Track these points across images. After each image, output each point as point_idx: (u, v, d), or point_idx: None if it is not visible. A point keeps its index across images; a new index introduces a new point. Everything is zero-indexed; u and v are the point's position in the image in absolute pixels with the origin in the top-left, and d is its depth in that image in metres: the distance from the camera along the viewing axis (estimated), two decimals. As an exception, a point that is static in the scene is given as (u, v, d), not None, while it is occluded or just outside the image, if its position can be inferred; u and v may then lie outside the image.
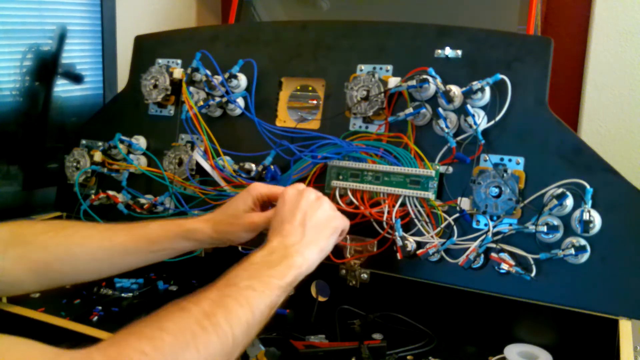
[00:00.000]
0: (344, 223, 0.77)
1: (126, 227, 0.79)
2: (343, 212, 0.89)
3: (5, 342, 0.46)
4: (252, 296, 0.59)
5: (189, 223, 0.79)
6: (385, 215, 0.86)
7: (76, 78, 1.38)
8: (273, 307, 0.61)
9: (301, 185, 0.77)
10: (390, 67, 0.92)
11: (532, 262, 0.79)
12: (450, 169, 0.86)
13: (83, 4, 1.37)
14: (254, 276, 0.62)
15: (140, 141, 1.09)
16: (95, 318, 0.88)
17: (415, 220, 0.86)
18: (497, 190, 0.80)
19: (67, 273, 0.77)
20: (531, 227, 0.78)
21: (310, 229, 0.71)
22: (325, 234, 0.73)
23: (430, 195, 0.84)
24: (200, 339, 0.53)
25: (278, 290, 0.62)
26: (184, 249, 0.80)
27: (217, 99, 1.00)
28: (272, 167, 0.94)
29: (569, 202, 0.77)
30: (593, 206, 0.76)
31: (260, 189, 0.79)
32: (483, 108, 0.84)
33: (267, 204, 0.81)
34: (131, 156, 1.08)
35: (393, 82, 0.89)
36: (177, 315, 0.54)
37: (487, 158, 0.83)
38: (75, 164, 1.11)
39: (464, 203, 0.83)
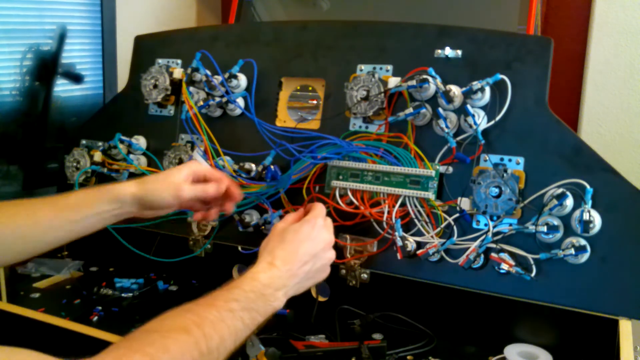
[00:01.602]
0: (327, 273, 0.79)
1: (51, 199, 0.78)
2: (343, 212, 0.89)
3: (19, 355, 0.46)
4: (239, 329, 0.62)
5: (113, 185, 0.78)
6: (385, 215, 0.86)
7: (76, 78, 1.38)
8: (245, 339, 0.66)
9: (321, 220, 0.78)
10: (390, 67, 0.92)
11: (532, 262, 0.79)
12: (450, 169, 0.86)
13: (83, 4, 1.37)
14: (247, 308, 0.65)
15: (140, 141, 1.09)
16: (95, 318, 0.88)
17: (415, 220, 0.86)
18: (497, 190, 0.80)
19: None
20: (531, 227, 0.78)
21: (307, 279, 0.74)
22: (312, 282, 0.76)
23: (430, 195, 0.84)
24: None
25: (255, 326, 0.66)
26: (107, 212, 0.78)
27: (217, 99, 1.00)
28: (272, 167, 0.94)
29: (569, 202, 0.77)
30: (593, 206, 0.76)
31: (201, 167, 0.83)
32: (483, 108, 0.84)
33: (201, 180, 0.83)
34: (131, 156, 1.08)
35: (393, 82, 0.89)
36: (180, 337, 0.56)
37: (487, 158, 0.83)
38: (75, 164, 1.11)
39: (464, 203, 0.83)
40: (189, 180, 0.81)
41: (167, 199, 0.79)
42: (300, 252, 0.73)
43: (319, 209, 0.80)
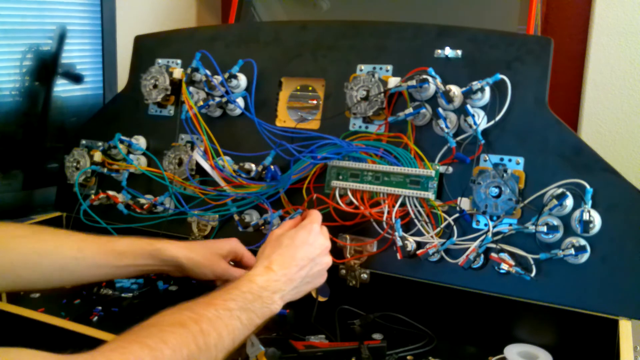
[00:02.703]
0: (324, 278, 0.81)
1: (98, 239, 0.81)
2: (343, 212, 0.89)
3: (11, 354, 0.46)
4: (237, 328, 0.63)
5: (161, 243, 0.82)
6: (385, 215, 0.86)
7: (76, 78, 1.38)
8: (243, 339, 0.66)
9: (317, 226, 0.79)
10: (390, 67, 0.92)
11: (532, 262, 0.79)
12: (450, 169, 0.85)
13: (83, 4, 1.37)
14: (244, 308, 0.65)
15: (140, 141, 1.09)
16: (95, 318, 0.87)
17: (415, 220, 0.86)
18: (497, 190, 0.80)
19: (31, 280, 0.77)
20: (531, 227, 0.78)
21: (304, 283, 0.75)
22: (309, 287, 0.78)
23: (430, 195, 0.84)
24: (193, 357, 0.56)
25: (254, 327, 0.67)
26: (149, 267, 0.83)
27: (217, 99, 1.00)
28: (272, 167, 0.94)
29: (569, 202, 0.77)
30: (593, 206, 0.76)
31: (239, 246, 0.88)
32: (483, 108, 0.84)
33: (235, 260, 0.88)
34: (131, 156, 1.08)
35: (393, 82, 0.89)
36: (178, 330, 0.57)
37: (487, 158, 0.83)
38: (75, 164, 1.11)
39: (464, 203, 0.83)
40: (229, 257, 0.87)
41: (205, 274, 0.84)
42: (297, 257, 0.74)
43: (315, 215, 0.82)
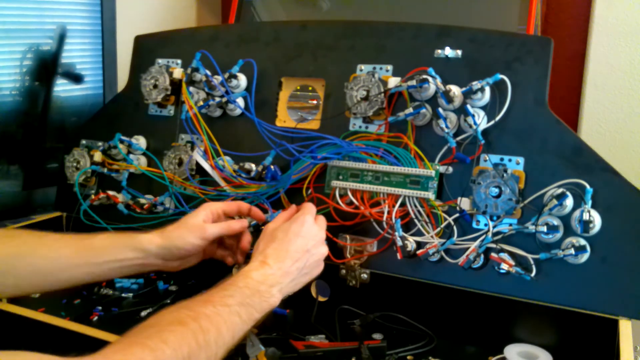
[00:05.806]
0: (321, 268, 0.80)
1: (75, 238, 0.79)
2: (343, 212, 0.89)
3: (16, 357, 0.46)
4: (236, 323, 0.63)
5: (138, 234, 0.79)
6: (385, 215, 0.86)
7: (76, 78, 1.39)
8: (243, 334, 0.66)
9: (310, 217, 0.79)
10: (390, 67, 0.92)
11: (532, 262, 0.79)
12: (450, 169, 0.85)
13: (83, 4, 1.37)
14: (244, 303, 0.66)
15: (140, 141, 1.09)
16: (95, 318, 0.87)
17: (415, 220, 0.86)
18: (497, 190, 0.80)
19: (8, 286, 0.75)
20: (531, 227, 0.78)
21: (301, 275, 0.76)
22: (307, 279, 0.78)
23: (430, 195, 0.84)
24: (194, 354, 0.56)
25: (253, 322, 0.67)
26: (130, 261, 0.78)
27: (217, 99, 1.00)
28: (272, 167, 0.94)
29: (569, 202, 0.77)
30: (593, 206, 0.76)
31: (215, 204, 0.84)
32: (483, 108, 0.84)
33: (222, 218, 0.85)
34: (131, 156, 1.08)
35: (393, 82, 0.89)
36: (177, 329, 0.57)
37: (487, 158, 0.83)
38: (75, 164, 1.11)
39: (464, 203, 0.83)
40: (209, 220, 0.82)
41: (193, 242, 0.79)
42: (291, 250, 0.74)
43: (308, 207, 0.82)
